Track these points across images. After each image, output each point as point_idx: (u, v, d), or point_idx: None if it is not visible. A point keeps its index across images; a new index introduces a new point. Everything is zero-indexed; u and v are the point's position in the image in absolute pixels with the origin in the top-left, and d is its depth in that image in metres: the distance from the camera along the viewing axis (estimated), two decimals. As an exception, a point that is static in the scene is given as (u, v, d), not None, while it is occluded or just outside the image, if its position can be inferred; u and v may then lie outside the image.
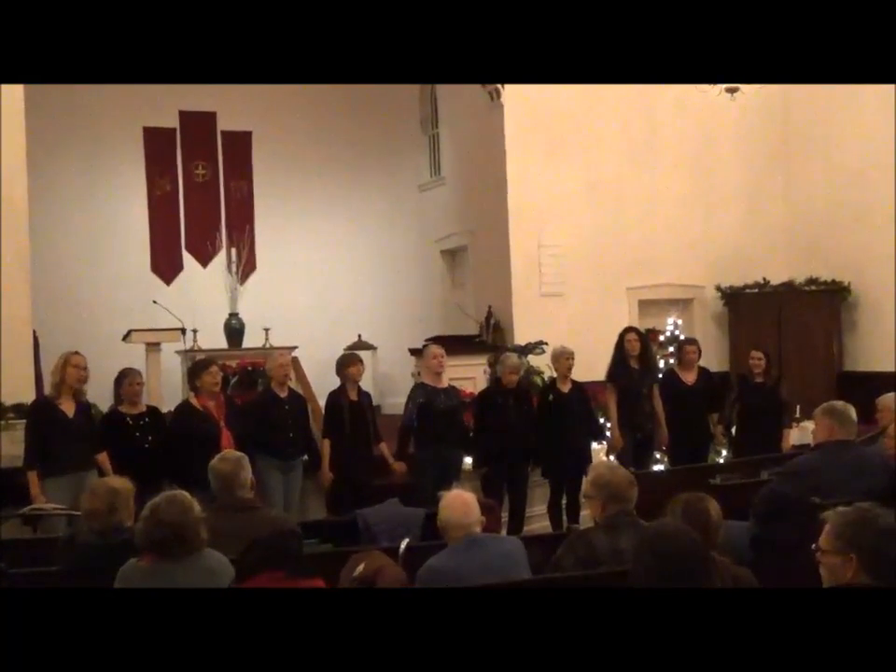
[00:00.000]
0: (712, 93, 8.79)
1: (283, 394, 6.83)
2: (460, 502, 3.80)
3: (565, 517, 7.31)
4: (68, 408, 6.04)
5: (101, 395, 7.06)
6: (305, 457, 6.95)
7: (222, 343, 11.22)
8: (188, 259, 12.67)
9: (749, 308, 10.91)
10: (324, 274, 12.90)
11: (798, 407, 8.45)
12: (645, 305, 10.93)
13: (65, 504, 5.59)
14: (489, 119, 10.64)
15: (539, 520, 7.64)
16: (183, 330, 9.45)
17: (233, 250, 11.98)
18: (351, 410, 6.90)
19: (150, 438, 6.25)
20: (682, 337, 9.58)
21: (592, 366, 7.96)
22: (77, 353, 6.19)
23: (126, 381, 6.33)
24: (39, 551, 4.45)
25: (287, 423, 6.71)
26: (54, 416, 5.99)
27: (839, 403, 5.02)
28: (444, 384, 7.13)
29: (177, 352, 10.29)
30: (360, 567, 3.74)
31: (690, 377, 7.95)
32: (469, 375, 8.87)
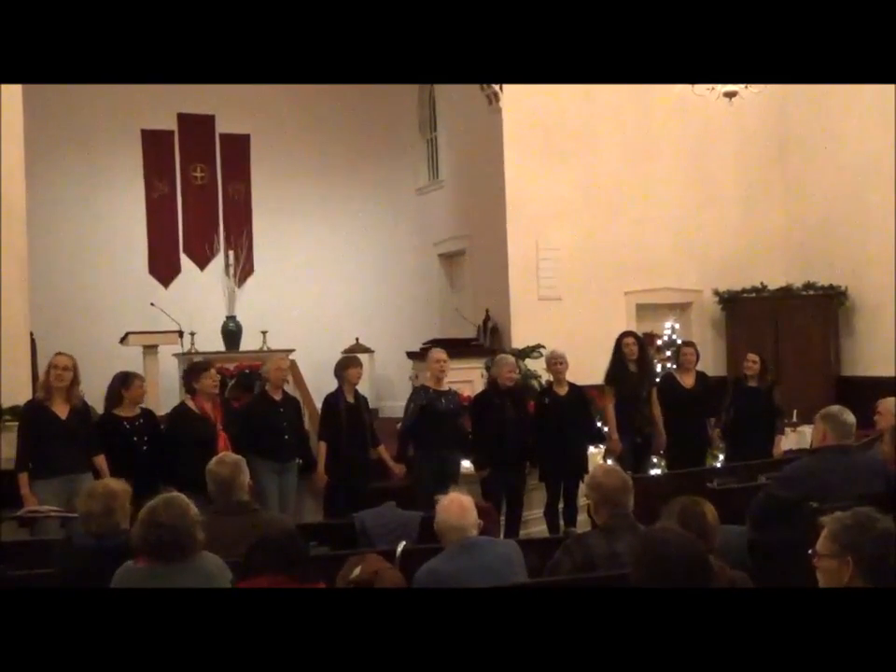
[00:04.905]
0: (710, 98, 8.79)
1: (277, 397, 6.84)
2: (457, 505, 3.79)
3: (561, 521, 7.31)
4: (61, 410, 5.98)
5: (100, 398, 7.03)
6: (300, 460, 6.96)
7: (219, 345, 11.22)
8: (185, 261, 12.68)
9: (746, 312, 10.91)
10: (321, 277, 12.90)
11: (795, 412, 8.44)
12: (643, 309, 10.94)
13: (56, 506, 5.58)
14: (487, 123, 10.65)
15: (535, 523, 7.64)
16: (180, 333, 9.46)
17: (231, 253, 11.98)
18: (348, 412, 6.90)
19: (146, 439, 6.23)
20: (680, 341, 9.57)
21: (590, 369, 7.96)
22: (59, 353, 6.11)
23: (136, 383, 6.28)
24: (36, 553, 4.43)
25: (282, 425, 6.72)
26: (45, 418, 5.94)
27: (835, 408, 4.97)
28: (445, 387, 7.14)
29: (174, 355, 10.28)
30: (357, 570, 3.73)
31: (688, 381, 7.96)
32: (467, 378, 8.87)
